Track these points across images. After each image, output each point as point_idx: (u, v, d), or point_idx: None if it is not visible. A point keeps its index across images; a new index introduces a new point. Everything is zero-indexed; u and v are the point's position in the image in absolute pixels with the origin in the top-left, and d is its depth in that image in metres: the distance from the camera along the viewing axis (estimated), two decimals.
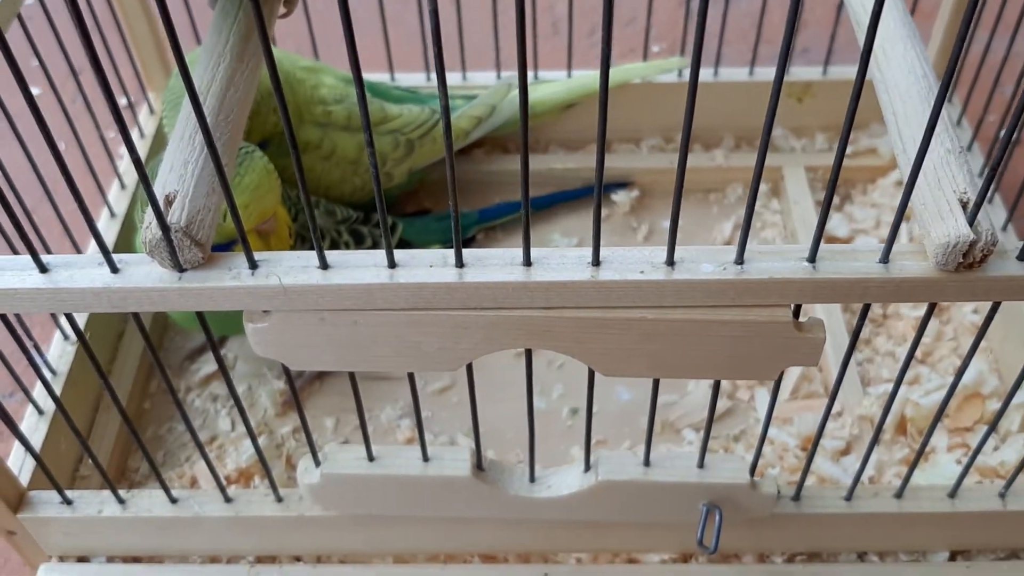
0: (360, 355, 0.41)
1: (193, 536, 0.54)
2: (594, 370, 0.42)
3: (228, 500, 0.52)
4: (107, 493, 0.53)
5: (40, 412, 0.57)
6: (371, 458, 0.49)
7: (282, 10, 0.50)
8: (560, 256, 0.39)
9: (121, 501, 0.53)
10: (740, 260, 0.38)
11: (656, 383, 0.44)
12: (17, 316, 0.55)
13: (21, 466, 0.55)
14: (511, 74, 0.75)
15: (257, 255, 0.39)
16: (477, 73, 0.76)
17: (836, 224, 0.72)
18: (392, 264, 0.38)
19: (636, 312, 0.39)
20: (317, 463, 0.49)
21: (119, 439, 0.62)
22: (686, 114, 0.33)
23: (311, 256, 0.39)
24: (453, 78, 0.76)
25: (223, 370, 0.43)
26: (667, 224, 0.75)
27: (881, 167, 0.75)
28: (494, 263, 0.38)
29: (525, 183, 0.34)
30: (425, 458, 0.49)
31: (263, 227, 0.56)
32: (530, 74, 0.76)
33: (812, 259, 0.38)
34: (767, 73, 0.75)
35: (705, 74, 0.75)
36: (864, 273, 0.37)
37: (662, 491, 0.49)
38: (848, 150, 0.74)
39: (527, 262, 0.38)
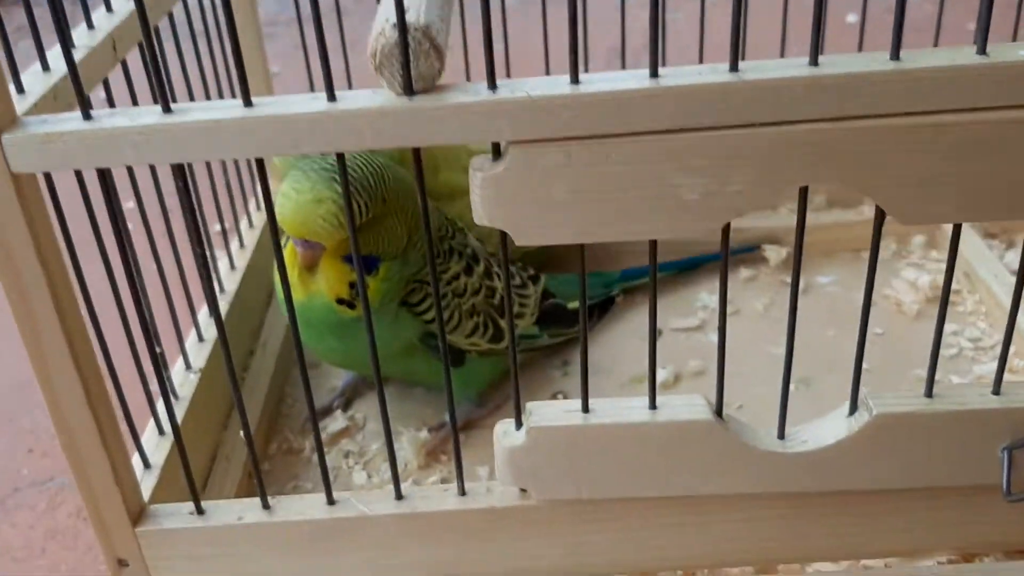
0: (604, 215, 0.35)
1: (351, 552, 0.44)
2: (887, 214, 0.35)
3: (400, 497, 0.43)
4: (247, 501, 0.44)
5: (161, 432, 0.49)
6: (586, 408, 0.40)
7: None
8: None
9: (267, 507, 0.43)
10: None
11: None
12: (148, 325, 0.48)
13: (140, 480, 0.46)
14: None
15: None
16: None
17: None
18: (655, 74, 0.33)
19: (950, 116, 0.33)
20: (519, 425, 0.41)
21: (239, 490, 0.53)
22: None
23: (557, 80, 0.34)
24: None
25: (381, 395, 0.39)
26: (823, 280, 0.69)
27: None
28: (772, 67, 0.33)
29: None
30: (653, 405, 0.40)
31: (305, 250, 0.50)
32: None
33: None
34: None
35: None
36: None
37: (952, 429, 0.39)
38: None
39: (814, 61, 0.33)
